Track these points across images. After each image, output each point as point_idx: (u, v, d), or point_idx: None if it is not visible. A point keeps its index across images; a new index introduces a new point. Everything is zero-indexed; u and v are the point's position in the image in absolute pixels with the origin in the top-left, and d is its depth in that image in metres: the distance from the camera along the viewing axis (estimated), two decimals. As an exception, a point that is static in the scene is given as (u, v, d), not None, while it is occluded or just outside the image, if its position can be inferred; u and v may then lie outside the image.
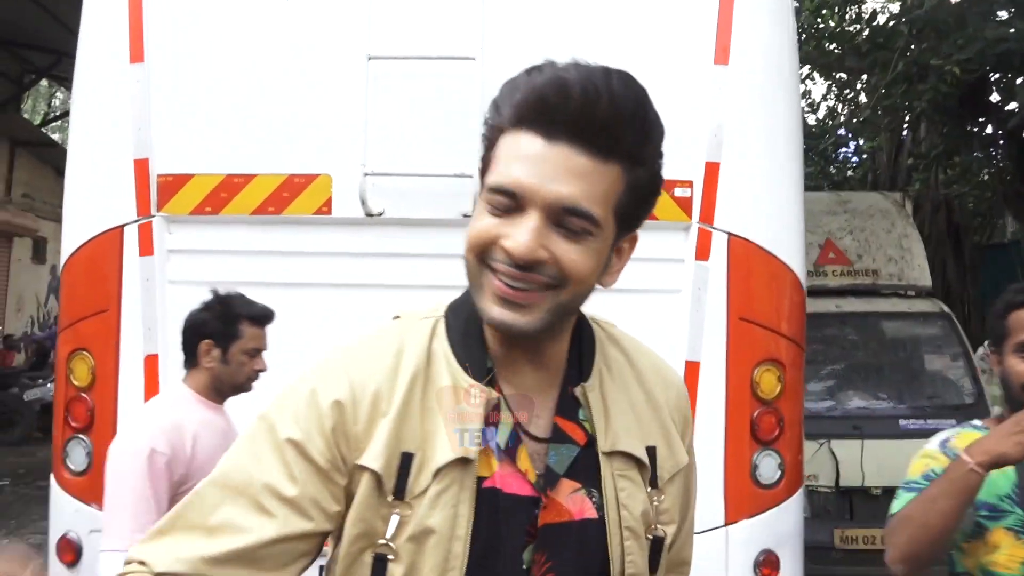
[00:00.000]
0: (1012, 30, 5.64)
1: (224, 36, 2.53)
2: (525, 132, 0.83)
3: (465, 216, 2.44)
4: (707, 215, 2.48)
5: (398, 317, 0.96)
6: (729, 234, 2.48)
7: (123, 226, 2.49)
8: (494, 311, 0.84)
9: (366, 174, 2.40)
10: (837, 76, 11.56)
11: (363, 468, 0.84)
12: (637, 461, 0.92)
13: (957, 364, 4.69)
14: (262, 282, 2.50)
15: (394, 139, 2.45)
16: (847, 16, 9.12)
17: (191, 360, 2.12)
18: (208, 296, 2.13)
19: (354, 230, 2.49)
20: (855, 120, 10.27)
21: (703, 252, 2.48)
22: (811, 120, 13.99)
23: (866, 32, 7.70)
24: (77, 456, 2.48)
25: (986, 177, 9.19)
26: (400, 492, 0.84)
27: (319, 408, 0.86)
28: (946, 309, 4.96)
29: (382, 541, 0.84)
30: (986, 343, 7.72)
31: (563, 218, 0.82)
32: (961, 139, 7.63)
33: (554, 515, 0.88)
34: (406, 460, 0.84)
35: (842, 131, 10.90)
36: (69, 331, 2.54)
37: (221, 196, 2.49)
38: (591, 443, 0.90)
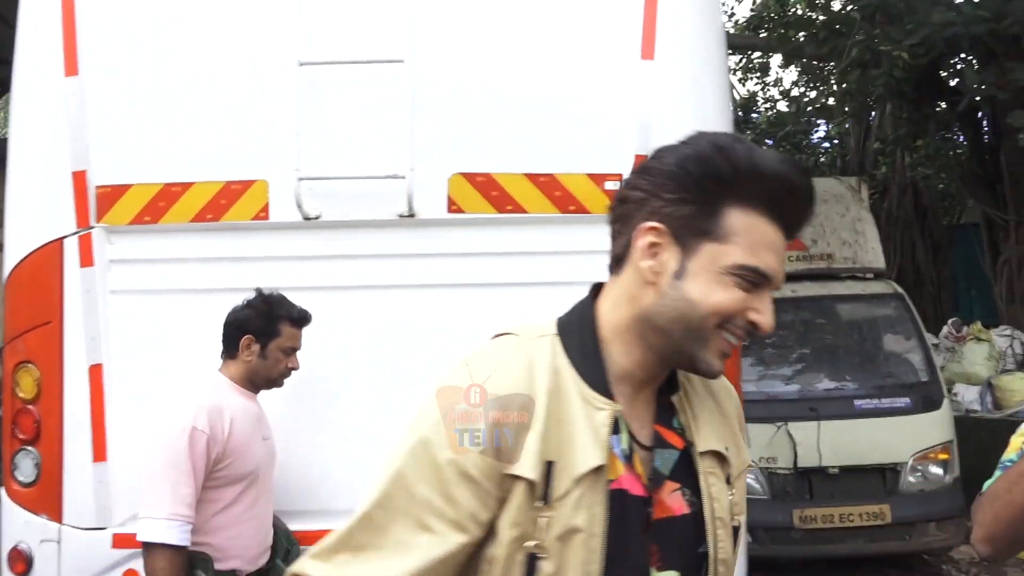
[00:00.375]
0: (959, 14, 5.74)
1: (157, 47, 2.55)
2: (766, 218, 0.95)
3: (401, 216, 2.48)
4: (638, 207, 2.53)
5: (508, 334, 1.04)
6: (660, 225, 2.54)
7: (63, 238, 2.51)
8: (718, 364, 0.98)
9: (300, 179, 2.44)
10: (807, 62, 11.68)
11: (517, 477, 0.93)
12: (720, 459, 1.05)
13: (911, 343, 4.79)
14: (204, 288, 2.54)
15: (328, 143, 2.48)
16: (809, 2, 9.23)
17: (231, 352, 2.30)
18: (251, 295, 2.33)
19: (293, 234, 2.53)
20: (811, 107, 10.38)
21: (635, 243, 2.53)
22: (782, 107, 14.15)
23: (823, 19, 7.78)
24: (26, 468, 2.50)
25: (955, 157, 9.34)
26: (546, 496, 0.93)
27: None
28: (899, 290, 5.07)
29: (534, 542, 0.93)
30: (950, 321, 7.83)
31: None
32: (920, 122, 7.74)
33: (661, 512, 1.00)
34: (549, 468, 0.94)
35: (807, 118, 11.00)
36: (14, 344, 2.56)
37: (159, 205, 2.52)
38: (686, 447, 1.03)
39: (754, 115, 14.09)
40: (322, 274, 2.53)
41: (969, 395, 6.04)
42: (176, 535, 2.05)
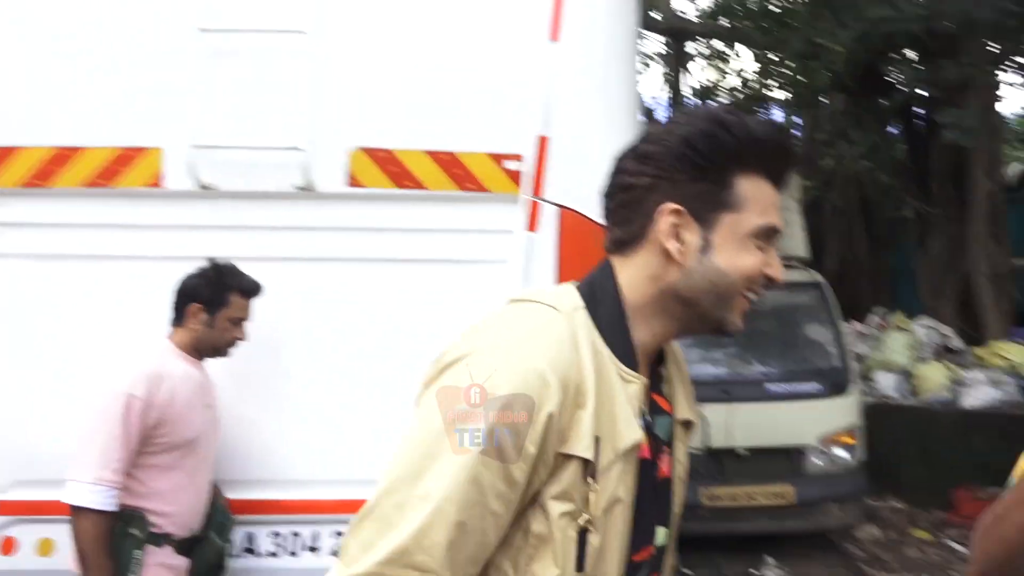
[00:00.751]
0: (896, 10, 5.84)
1: (52, 7, 2.49)
2: (765, 180, 1.03)
3: (298, 188, 2.48)
4: (537, 188, 2.56)
5: (534, 302, 1.03)
6: (559, 206, 2.57)
7: (-51, 199, 2.46)
8: (740, 323, 1.06)
9: (195, 147, 2.41)
10: (760, 53, 11.77)
11: (572, 456, 0.95)
12: (688, 426, 1.15)
13: (825, 330, 4.93)
14: (95, 255, 2.51)
15: (225, 112, 2.46)
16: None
17: (178, 320, 2.32)
18: (204, 264, 2.33)
19: (187, 203, 2.50)
20: (748, 94, 10.50)
21: (532, 224, 2.57)
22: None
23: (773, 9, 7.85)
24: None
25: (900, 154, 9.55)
26: (594, 472, 0.96)
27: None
28: (819, 278, 5.20)
29: (586, 516, 0.95)
30: (877, 311, 8.03)
31: None
32: (859, 116, 7.88)
33: (660, 474, 1.08)
34: (597, 444, 0.96)
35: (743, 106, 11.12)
36: None
37: (51, 169, 2.47)
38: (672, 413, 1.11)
39: (710, 103, 14.21)
40: (218, 244, 2.50)
41: (887, 382, 6.26)
42: (100, 500, 2.04)
